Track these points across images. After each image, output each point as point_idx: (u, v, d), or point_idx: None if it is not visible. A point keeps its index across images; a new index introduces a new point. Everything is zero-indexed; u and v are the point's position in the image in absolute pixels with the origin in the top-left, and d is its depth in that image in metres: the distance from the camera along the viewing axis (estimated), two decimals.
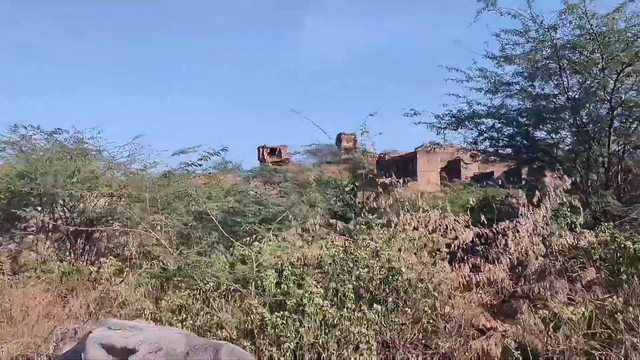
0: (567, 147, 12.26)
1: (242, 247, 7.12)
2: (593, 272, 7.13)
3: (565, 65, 10.86)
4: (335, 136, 72.92)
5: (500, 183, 28.87)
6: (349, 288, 5.82)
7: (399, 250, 7.13)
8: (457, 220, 9.54)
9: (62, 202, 15.44)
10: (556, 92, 11.62)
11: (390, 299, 6.09)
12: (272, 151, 68.90)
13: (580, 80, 11.10)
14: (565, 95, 11.24)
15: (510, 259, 8.54)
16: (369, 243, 7.07)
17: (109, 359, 3.11)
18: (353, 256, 6.92)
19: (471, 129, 13.27)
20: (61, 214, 15.22)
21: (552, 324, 4.69)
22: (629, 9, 9.65)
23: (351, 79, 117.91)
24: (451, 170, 61.27)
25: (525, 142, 12.68)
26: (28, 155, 14.62)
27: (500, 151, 13.19)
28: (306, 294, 5.12)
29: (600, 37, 9.88)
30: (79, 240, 15.08)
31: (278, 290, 6.56)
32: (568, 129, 11.88)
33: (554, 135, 12.33)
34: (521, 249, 8.58)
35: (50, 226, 15.41)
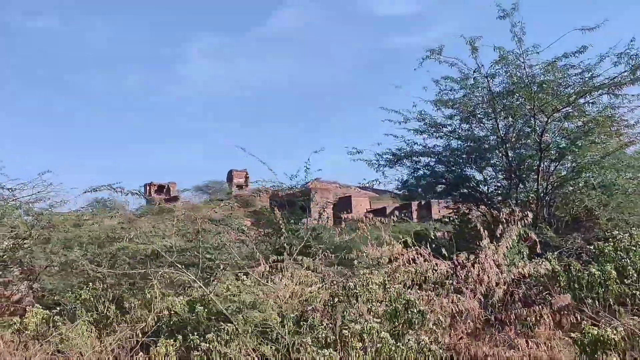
0: (497, 184, 13.36)
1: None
2: (568, 297, 7.82)
3: (499, 110, 11.96)
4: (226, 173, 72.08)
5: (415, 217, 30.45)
6: (375, 323, 5.84)
7: (401, 283, 7.30)
8: (421, 253, 9.97)
9: None
10: (488, 134, 12.71)
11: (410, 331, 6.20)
12: (160, 188, 66.21)
13: (512, 124, 12.28)
14: (498, 137, 12.33)
15: (472, 289, 9.00)
16: (369, 278, 7.15)
17: None
18: (356, 292, 6.96)
19: (408, 167, 14.03)
20: None
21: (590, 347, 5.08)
22: (561, 62, 10.97)
23: (238, 116, 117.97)
24: (342, 206, 63.17)
25: (456, 179, 13.60)
26: None
27: (436, 188, 14.00)
28: (366, 328, 5.07)
29: (533, 86, 11.10)
30: None
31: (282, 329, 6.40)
32: (498, 167, 12.99)
33: (484, 174, 13.40)
34: (488, 278, 9.09)
35: None
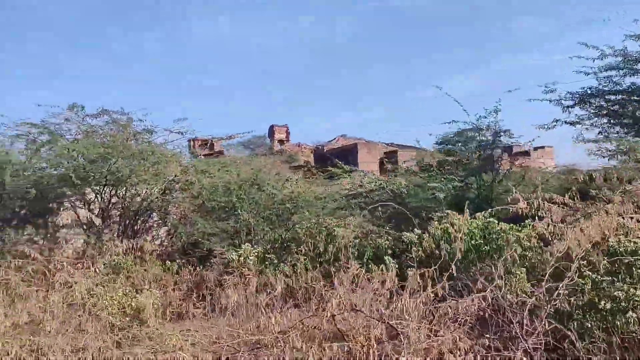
0: None
1: None
2: None
3: None
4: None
5: None
6: None
7: None
8: None
9: (115, 191, 13.51)
10: None
11: None
12: (204, 143, 65.69)
13: None
14: None
15: None
16: None
17: None
18: None
19: (596, 106, 13.37)
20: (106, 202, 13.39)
21: None
22: None
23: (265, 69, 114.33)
24: (389, 161, 62.47)
25: None
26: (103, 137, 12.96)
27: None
28: None
29: None
30: (123, 230, 13.37)
31: None
32: None
33: None
34: None
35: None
